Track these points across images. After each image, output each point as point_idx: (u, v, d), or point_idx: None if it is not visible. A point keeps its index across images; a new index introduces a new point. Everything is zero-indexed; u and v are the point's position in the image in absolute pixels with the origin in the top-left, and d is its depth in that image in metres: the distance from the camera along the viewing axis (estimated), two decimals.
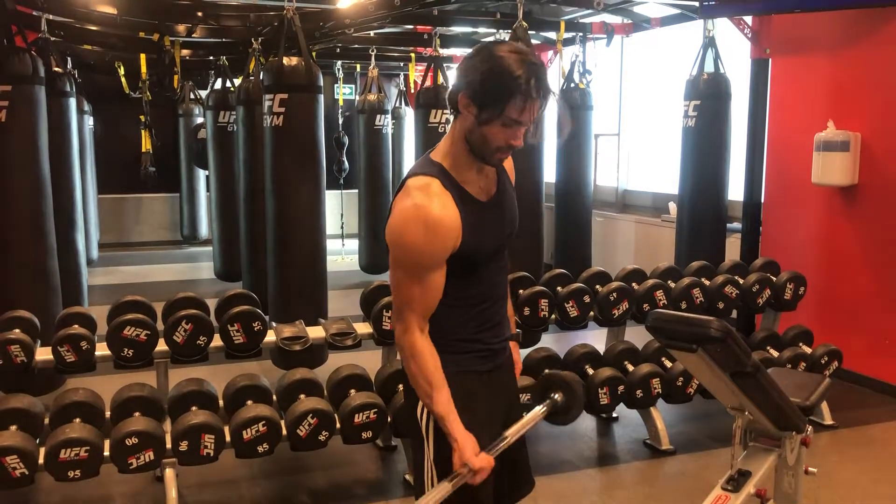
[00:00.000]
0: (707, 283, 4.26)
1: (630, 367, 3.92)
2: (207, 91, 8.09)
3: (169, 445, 3.14)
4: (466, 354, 1.84)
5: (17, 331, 3.32)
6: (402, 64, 8.87)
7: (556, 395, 2.03)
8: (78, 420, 3.12)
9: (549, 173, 6.44)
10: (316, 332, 3.66)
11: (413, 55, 8.13)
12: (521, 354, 2.39)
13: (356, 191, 8.73)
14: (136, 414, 3.18)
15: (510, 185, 1.95)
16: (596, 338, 4.54)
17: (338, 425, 3.35)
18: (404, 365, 1.84)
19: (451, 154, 1.80)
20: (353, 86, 10.61)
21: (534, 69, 1.68)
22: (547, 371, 2.34)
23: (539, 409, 2.01)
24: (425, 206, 1.70)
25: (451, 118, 1.82)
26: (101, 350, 3.33)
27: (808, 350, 4.29)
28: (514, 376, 2.05)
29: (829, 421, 4.21)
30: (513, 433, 1.90)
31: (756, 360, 2.57)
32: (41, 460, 2.99)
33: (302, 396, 3.38)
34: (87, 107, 8.70)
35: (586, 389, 3.74)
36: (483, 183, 1.85)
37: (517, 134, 1.74)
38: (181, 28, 5.97)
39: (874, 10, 4.63)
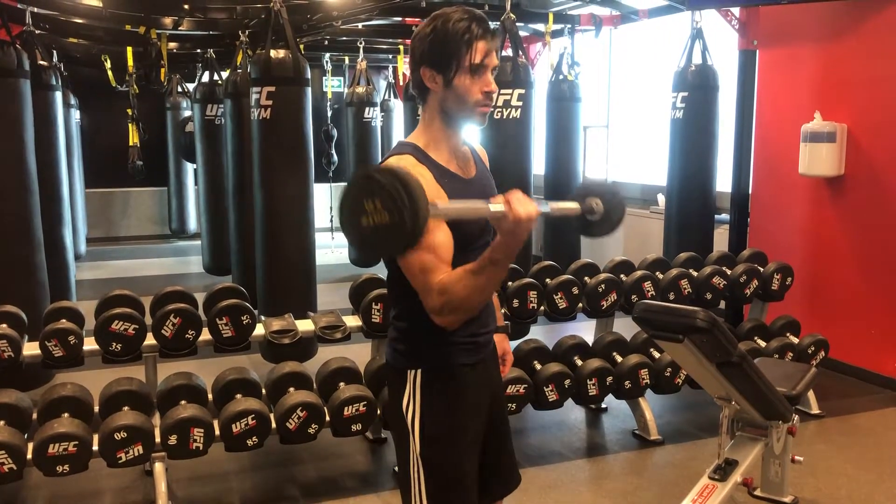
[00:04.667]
0: (695, 274, 4.28)
1: (618, 358, 3.93)
2: (195, 84, 8.05)
3: (158, 439, 3.14)
4: (453, 347, 1.83)
5: (4, 326, 3.31)
6: (390, 56, 8.85)
7: (594, 203, 1.89)
8: (66, 415, 3.11)
9: (538, 165, 6.45)
10: (305, 326, 3.66)
11: (402, 47, 8.12)
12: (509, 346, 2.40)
13: (345, 184, 8.70)
14: (125, 408, 3.18)
15: (488, 172, 1.96)
16: (585, 329, 4.55)
17: (327, 418, 3.35)
18: (461, 310, 1.66)
19: (426, 135, 1.81)
20: (342, 78, 10.58)
21: (472, 13, 1.74)
22: (589, 180, 2.16)
23: (573, 205, 1.88)
24: None
25: (421, 105, 1.82)
26: (89, 344, 3.31)
27: (795, 340, 4.32)
28: (498, 368, 2.05)
29: (815, 410, 4.24)
30: (553, 207, 1.77)
31: (742, 350, 2.60)
32: (29, 455, 2.98)
33: (291, 390, 3.38)
34: (73, 100, 8.65)
35: (575, 381, 3.76)
36: (461, 163, 1.85)
37: (487, 79, 1.76)
38: (168, 21, 5.94)
39: (861, 1, 4.65)
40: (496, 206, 1.56)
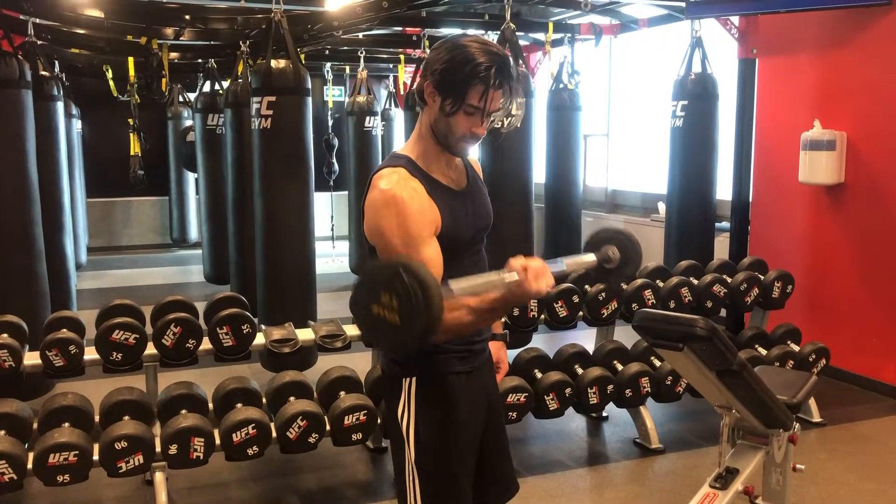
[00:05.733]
0: (695, 282, 4.28)
1: (619, 367, 3.93)
2: (196, 94, 8.07)
3: (158, 449, 3.14)
4: (447, 355, 1.83)
5: (5, 335, 3.31)
6: (391, 65, 8.89)
7: (610, 251, 1.92)
8: (67, 424, 3.11)
9: (539, 174, 6.46)
10: (305, 335, 3.66)
11: (402, 57, 8.14)
12: (509, 355, 2.39)
13: (346, 192, 8.74)
14: (126, 418, 3.17)
15: (481, 182, 1.97)
16: (585, 337, 4.55)
17: (328, 427, 3.35)
18: (446, 334, 1.68)
19: (418, 147, 1.82)
20: (343, 87, 10.61)
21: (495, 58, 1.71)
22: (599, 228, 2.20)
23: (589, 257, 1.92)
24: (392, 189, 1.71)
25: (420, 111, 1.83)
26: (90, 354, 3.31)
27: (795, 348, 4.31)
28: (494, 376, 2.05)
29: (817, 418, 4.24)
30: (569, 263, 1.82)
31: (742, 359, 2.59)
32: (30, 465, 2.98)
33: (291, 399, 3.38)
34: (74, 110, 8.67)
35: (575, 389, 3.76)
36: (453, 174, 1.86)
37: (479, 122, 1.76)
38: (169, 31, 5.96)
39: (860, 10, 4.67)
40: (511, 276, 1.59)
